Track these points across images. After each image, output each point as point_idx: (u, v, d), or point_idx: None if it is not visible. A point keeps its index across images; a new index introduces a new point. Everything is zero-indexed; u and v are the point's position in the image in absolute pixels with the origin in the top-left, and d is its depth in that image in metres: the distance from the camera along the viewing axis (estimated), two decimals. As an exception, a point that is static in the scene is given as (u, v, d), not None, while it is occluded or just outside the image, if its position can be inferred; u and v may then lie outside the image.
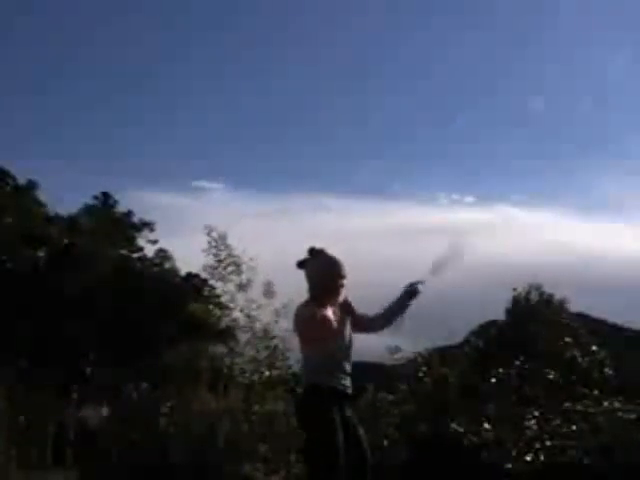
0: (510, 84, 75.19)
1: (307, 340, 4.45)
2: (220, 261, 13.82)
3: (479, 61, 74.18)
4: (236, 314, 13.87)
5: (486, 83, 75.27)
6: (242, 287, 13.74)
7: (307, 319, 4.36)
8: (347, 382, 4.54)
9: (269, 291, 13.58)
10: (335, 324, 4.37)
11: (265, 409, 13.24)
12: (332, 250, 4.64)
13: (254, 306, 13.65)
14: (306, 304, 4.48)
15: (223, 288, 13.92)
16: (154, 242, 31.74)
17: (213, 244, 13.88)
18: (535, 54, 76.48)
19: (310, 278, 4.54)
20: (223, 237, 13.90)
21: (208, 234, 13.80)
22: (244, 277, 13.76)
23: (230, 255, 13.83)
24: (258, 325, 13.62)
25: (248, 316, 13.62)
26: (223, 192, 59.95)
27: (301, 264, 4.60)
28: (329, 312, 4.36)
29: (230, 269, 13.78)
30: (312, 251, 4.58)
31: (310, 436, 4.36)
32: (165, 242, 32.21)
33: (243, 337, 14.06)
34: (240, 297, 13.73)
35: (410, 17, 70.21)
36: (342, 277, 4.53)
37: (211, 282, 13.98)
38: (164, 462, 12.46)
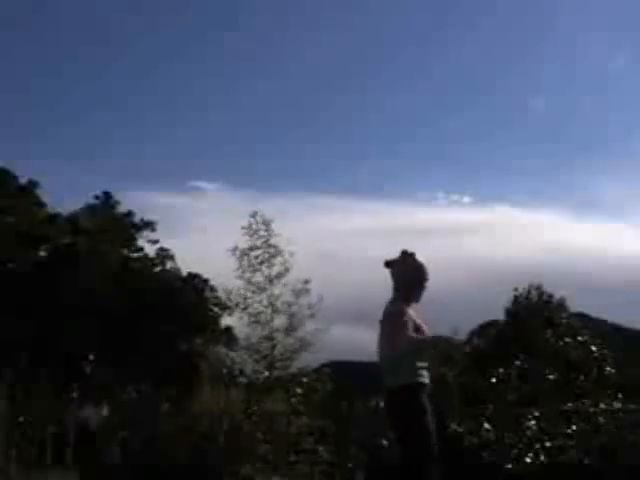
0: (510, 84, 75.25)
1: (395, 336, 4.60)
2: (256, 247, 13.25)
3: (479, 61, 74.23)
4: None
5: (486, 83, 75.31)
6: (271, 280, 13.22)
7: (397, 315, 4.59)
8: (428, 378, 4.76)
9: (300, 290, 13.11)
10: (418, 322, 4.66)
11: (265, 409, 13.23)
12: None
13: (279, 303, 13.18)
14: (394, 302, 4.70)
15: (251, 278, 13.41)
16: (154, 242, 31.72)
17: (254, 227, 13.30)
18: (535, 54, 76.53)
19: (398, 277, 4.75)
20: (267, 223, 13.37)
21: (252, 216, 13.28)
22: (275, 270, 13.27)
23: (267, 243, 13.28)
24: (280, 321, 13.18)
25: (271, 306, 13.08)
26: (222, 192, 60.08)
27: (389, 264, 4.80)
28: (411, 311, 4.66)
29: (262, 258, 13.20)
30: (405, 253, 4.79)
31: (412, 430, 4.57)
32: (163, 242, 32.22)
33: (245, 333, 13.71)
34: (268, 290, 13.22)
35: (410, 17, 70.26)
36: (426, 282, 4.81)
37: (239, 268, 13.16)
38: (164, 462, 12.46)
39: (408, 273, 4.74)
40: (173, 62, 62.11)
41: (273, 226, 13.62)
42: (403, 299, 4.68)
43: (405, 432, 4.59)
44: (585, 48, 74.99)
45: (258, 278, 13.44)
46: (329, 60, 67.83)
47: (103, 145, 55.64)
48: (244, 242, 13.59)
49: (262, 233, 13.51)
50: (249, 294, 13.41)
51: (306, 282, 13.30)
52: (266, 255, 13.43)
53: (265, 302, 13.41)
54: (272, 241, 13.55)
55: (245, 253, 13.41)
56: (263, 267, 13.40)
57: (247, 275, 13.42)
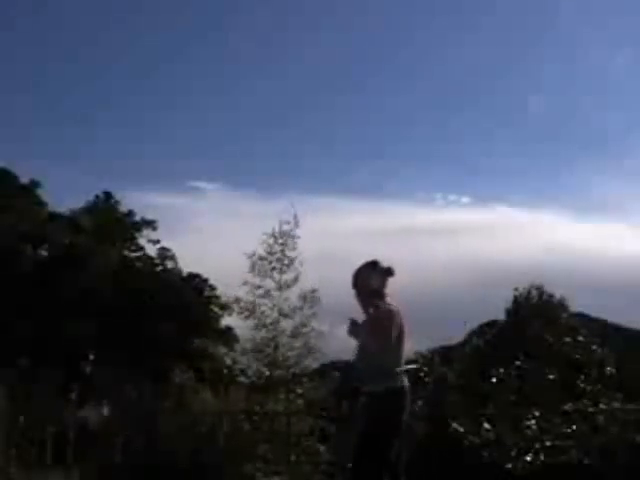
0: (510, 84, 75.10)
1: (384, 338, 4.73)
2: (271, 254, 13.47)
3: (479, 61, 74.12)
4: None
5: (486, 83, 75.18)
6: (281, 287, 13.34)
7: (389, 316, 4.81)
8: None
9: (308, 297, 13.21)
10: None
11: (265, 409, 13.23)
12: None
13: (286, 306, 13.25)
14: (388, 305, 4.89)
15: (260, 283, 13.42)
16: (155, 242, 31.72)
17: (276, 234, 13.37)
18: (535, 54, 76.40)
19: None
20: (288, 234, 13.45)
21: (280, 224, 13.30)
22: (286, 277, 13.45)
23: (283, 252, 13.43)
24: (290, 323, 13.23)
25: (281, 313, 13.18)
26: (222, 192, 59.87)
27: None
28: None
29: (275, 265, 13.36)
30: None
31: (380, 432, 4.60)
32: (163, 242, 32.15)
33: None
34: (276, 295, 13.36)
35: (410, 17, 70.18)
36: None
37: (249, 274, 13.24)
38: (164, 462, 12.47)
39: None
40: (173, 62, 61.98)
41: (293, 238, 13.53)
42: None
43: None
44: (585, 48, 74.86)
45: (268, 284, 13.46)
46: (329, 60, 67.74)
47: (103, 145, 55.55)
48: (262, 247, 13.51)
49: (280, 242, 13.48)
50: (256, 299, 13.41)
51: (313, 292, 13.34)
52: (278, 264, 13.46)
53: (270, 305, 13.43)
54: (288, 251, 13.52)
55: (262, 258, 13.41)
56: (274, 273, 13.44)
57: (257, 281, 13.43)
